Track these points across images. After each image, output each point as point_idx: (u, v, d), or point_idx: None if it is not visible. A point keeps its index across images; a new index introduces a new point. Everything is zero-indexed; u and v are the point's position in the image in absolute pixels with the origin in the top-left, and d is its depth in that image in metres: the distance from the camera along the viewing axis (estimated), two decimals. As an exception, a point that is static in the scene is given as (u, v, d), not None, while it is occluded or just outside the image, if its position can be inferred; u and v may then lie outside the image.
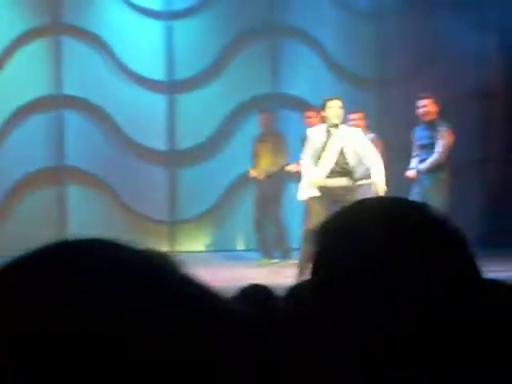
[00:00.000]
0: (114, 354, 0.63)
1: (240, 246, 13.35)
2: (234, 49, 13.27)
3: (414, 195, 9.79)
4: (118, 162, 13.00)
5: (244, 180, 12.44)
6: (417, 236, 1.09)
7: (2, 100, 12.71)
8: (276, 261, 11.35)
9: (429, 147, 10.04)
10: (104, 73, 13.08)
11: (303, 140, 9.51)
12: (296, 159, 10.37)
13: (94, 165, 12.95)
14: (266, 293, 3.34)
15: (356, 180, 9.27)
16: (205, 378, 0.65)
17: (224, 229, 13.30)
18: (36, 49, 13.04)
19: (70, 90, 13.05)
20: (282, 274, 9.57)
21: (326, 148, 9.10)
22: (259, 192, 11.61)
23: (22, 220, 12.60)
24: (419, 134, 10.18)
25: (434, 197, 9.72)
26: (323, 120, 9.33)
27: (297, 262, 9.30)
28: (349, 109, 9.60)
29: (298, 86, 13.19)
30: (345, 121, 9.47)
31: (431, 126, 10.05)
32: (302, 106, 12.44)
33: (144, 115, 13.05)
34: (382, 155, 10.53)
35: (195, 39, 13.30)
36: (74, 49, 13.06)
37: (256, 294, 3.29)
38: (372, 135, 10.44)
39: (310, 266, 1.15)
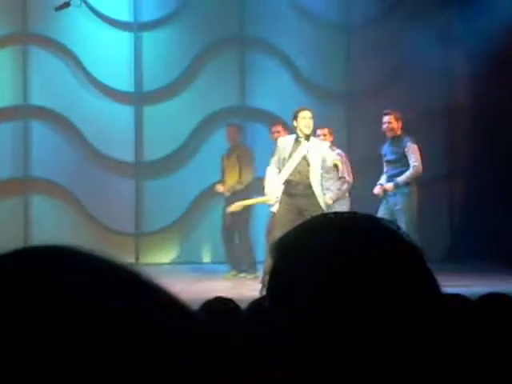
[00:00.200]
0: (88, 355, 0.63)
1: (206, 258, 13.33)
2: (202, 61, 13.27)
3: (382, 210, 9.82)
4: (85, 173, 12.93)
5: (210, 193, 12.42)
6: (367, 248, 1.10)
7: (-32, 109, 12.62)
8: (243, 275, 11.34)
9: (395, 162, 10.04)
10: (71, 83, 13.02)
11: (272, 153, 9.53)
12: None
13: (60, 176, 12.87)
14: (230, 306, 3.35)
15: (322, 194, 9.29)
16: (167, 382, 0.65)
17: (190, 241, 13.27)
18: (2, 58, 12.95)
19: (36, 100, 12.98)
20: (248, 287, 9.57)
21: (292, 157, 9.12)
22: (227, 205, 11.60)
23: (-13, 230, 12.47)
24: (385, 150, 10.19)
25: (402, 211, 9.75)
26: (292, 132, 9.36)
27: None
28: (316, 122, 9.61)
29: (266, 99, 13.20)
30: (313, 134, 9.50)
31: (396, 141, 10.05)
32: (269, 119, 12.46)
33: (111, 126, 13.01)
34: (350, 170, 10.58)
35: (163, 51, 13.29)
36: (40, 59, 13.00)
37: (220, 307, 3.29)
38: (339, 151, 10.45)
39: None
